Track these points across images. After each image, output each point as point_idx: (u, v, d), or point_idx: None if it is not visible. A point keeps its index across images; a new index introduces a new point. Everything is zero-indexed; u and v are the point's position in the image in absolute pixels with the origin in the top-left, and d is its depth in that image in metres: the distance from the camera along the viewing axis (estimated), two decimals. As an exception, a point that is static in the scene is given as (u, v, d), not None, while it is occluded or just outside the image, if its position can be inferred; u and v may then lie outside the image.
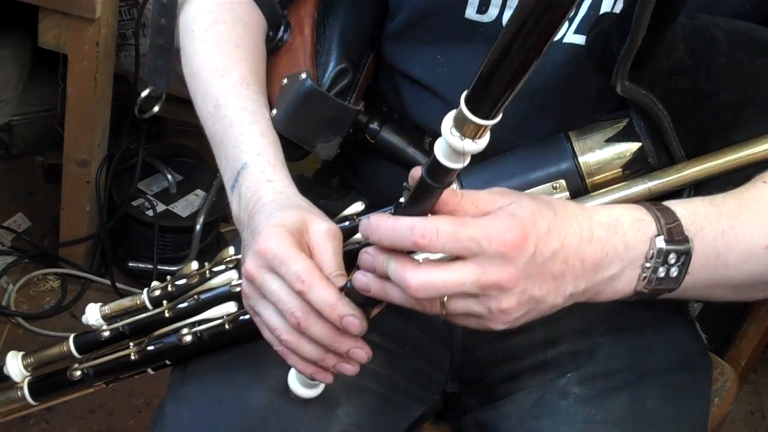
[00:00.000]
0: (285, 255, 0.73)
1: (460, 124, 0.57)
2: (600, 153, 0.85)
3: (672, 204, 0.75)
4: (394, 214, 0.67)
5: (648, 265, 0.71)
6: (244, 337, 0.88)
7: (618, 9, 0.84)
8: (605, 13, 0.84)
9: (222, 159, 0.89)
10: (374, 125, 0.99)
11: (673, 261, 0.71)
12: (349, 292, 0.72)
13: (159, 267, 2.09)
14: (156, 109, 1.89)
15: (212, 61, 0.93)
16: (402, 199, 0.68)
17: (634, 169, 0.85)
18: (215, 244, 2.22)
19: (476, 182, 0.86)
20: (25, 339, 2.00)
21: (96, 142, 1.99)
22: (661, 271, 0.71)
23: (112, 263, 2.12)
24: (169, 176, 2.17)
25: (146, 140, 2.11)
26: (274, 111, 0.94)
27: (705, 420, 0.98)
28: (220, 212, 2.17)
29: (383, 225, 0.66)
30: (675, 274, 0.72)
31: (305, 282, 0.71)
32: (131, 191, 2.08)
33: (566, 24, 0.85)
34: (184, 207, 2.14)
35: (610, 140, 0.84)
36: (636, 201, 0.81)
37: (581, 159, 0.85)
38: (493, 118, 0.56)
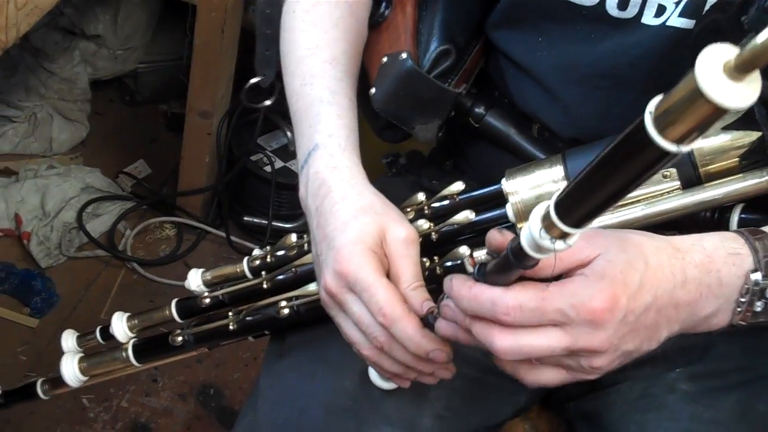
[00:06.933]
0: (367, 283, 0.72)
1: (549, 225, 0.53)
2: (715, 141, 0.79)
3: None
4: (477, 277, 0.65)
5: (743, 299, 0.68)
6: None
7: None
8: (717, 3, 0.78)
9: (299, 137, 0.88)
10: (480, 109, 0.97)
11: None
12: (430, 321, 0.72)
13: (273, 223, 2.10)
14: (268, 102, 1.91)
15: (307, 40, 0.92)
16: (484, 258, 0.66)
17: (753, 159, 0.78)
18: (329, 204, 2.22)
19: (580, 166, 0.81)
20: (138, 284, 2.05)
21: (219, 94, 2.00)
22: (758, 306, 0.68)
23: (227, 216, 2.13)
24: (289, 133, 2.18)
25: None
26: (373, 90, 0.94)
27: None
28: (336, 173, 2.15)
29: (465, 296, 0.65)
30: None
31: (387, 316, 0.71)
32: (251, 146, 2.09)
33: (673, 6, 0.80)
34: (301, 165, 2.14)
35: (727, 128, 0.78)
36: (753, 195, 0.78)
37: (694, 146, 0.79)
38: (582, 228, 0.52)
